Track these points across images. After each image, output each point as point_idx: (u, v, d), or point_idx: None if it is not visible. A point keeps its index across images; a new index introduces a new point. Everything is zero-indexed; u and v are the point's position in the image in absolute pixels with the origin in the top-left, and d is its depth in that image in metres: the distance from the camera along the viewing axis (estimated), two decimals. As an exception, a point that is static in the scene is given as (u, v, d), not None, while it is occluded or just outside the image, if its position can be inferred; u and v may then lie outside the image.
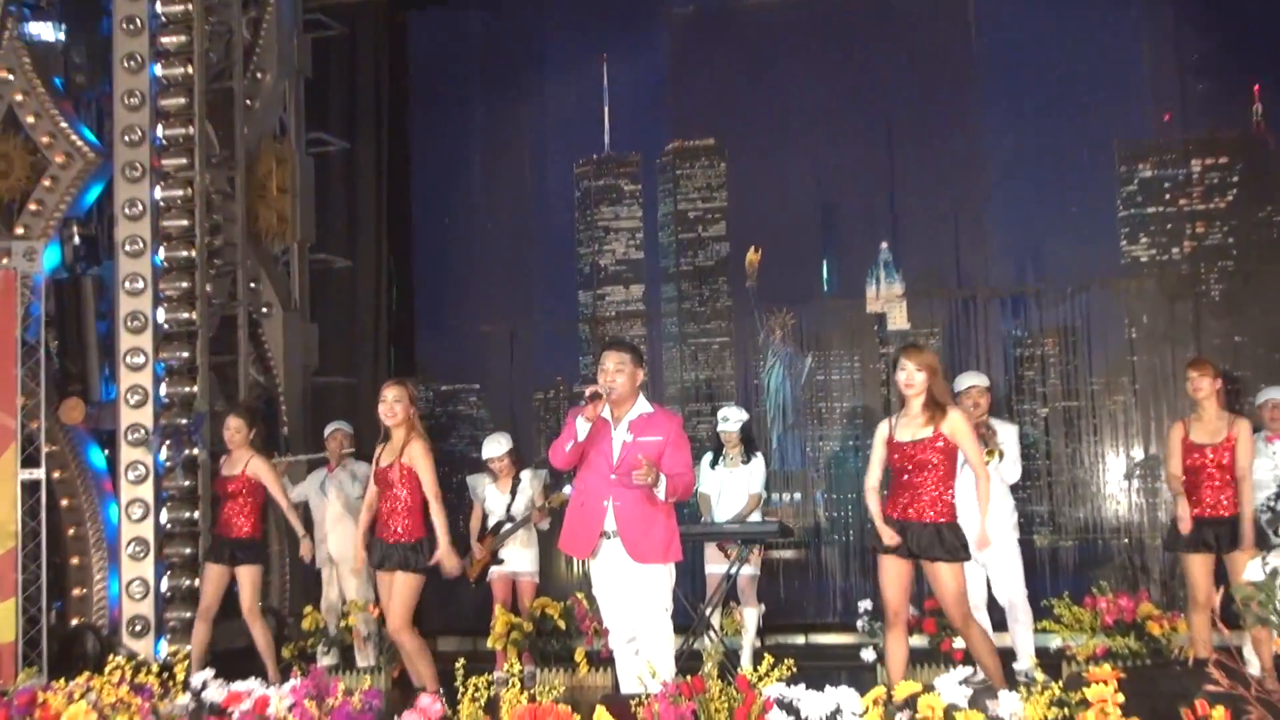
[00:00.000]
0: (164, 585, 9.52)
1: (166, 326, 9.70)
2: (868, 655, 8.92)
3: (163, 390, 9.63)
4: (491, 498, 9.42)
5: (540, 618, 9.08)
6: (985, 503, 6.41)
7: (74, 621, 9.59)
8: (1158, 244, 11.90)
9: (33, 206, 9.95)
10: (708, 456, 9.20)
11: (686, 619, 8.24)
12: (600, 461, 6.18)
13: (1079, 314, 11.60)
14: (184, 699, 6.24)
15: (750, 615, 9.12)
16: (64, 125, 10.08)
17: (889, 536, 6.29)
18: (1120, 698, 4.78)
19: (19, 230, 9.86)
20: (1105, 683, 4.84)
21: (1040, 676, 5.34)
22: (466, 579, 9.71)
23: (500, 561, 9.34)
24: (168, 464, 9.63)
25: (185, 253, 9.77)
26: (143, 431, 9.47)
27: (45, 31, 10.53)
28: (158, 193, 9.76)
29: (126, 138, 9.70)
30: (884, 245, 12.10)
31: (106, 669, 6.51)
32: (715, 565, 9.09)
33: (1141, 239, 11.99)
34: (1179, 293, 11.38)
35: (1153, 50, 11.70)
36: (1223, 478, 7.36)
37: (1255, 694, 4.59)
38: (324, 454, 9.73)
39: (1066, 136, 11.72)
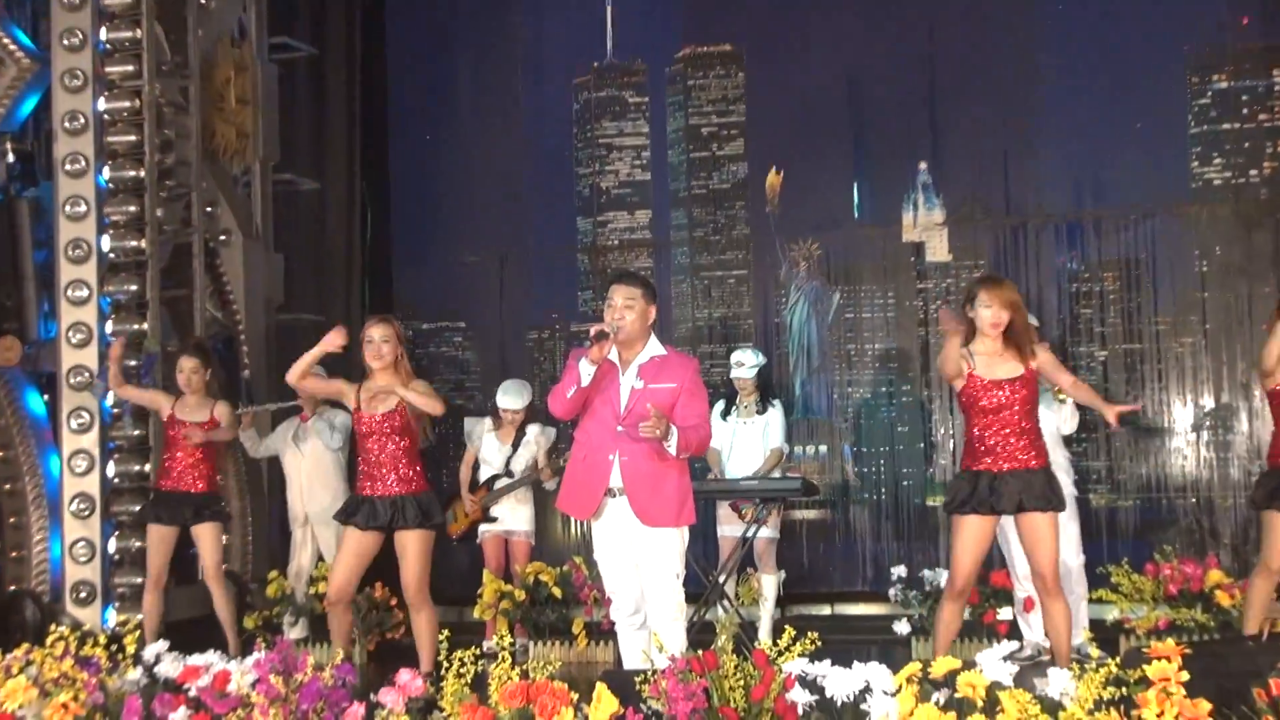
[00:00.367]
0: (111, 547, 9.54)
1: (112, 256, 9.67)
2: (901, 628, 8.96)
3: (108, 328, 9.62)
4: (489, 447, 9.44)
5: (534, 585, 9.11)
6: (1090, 394, 6.74)
7: (10, 587, 9.63)
8: (1233, 165, 11.85)
9: (-42, 120, 9.93)
10: (719, 406, 9.15)
11: (698, 587, 8.29)
12: (605, 410, 6.15)
13: (1143, 244, 11.57)
14: (135, 673, 6.26)
15: (769, 583, 9.16)
16: (-7, 27, 10.04)
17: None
18: (1185, 676, 4.78)
19: (-57, 147, 9.85)
20: (1168, 659, 4.84)
21: (1095, 652, 5.36)
22: (448, 535, 9.76)
23: (492, 520, 9.37)
24: (115, 410, 9.64)
25: (133, 172, 9.73)
26: (86, 374, 9.47)
27: (-30, -80, 10.46)
28: (101, 104, 9.71)
29: (65, 41, 9.63)
30: (922, 166, 12.07)
31: (48, 640, 6.53)
32: (729, 527, 9.12)
33: (1215, 159, 11.94)
34: (1256, 220, 11.34)
35: (1229, -56, 11.62)
36: None
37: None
38: (295, 402, 9.72)
39: (1131, 43, 11.66)
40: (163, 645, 6.42)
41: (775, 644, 5.05)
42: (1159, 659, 4.84)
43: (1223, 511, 10.87)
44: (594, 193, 13.27)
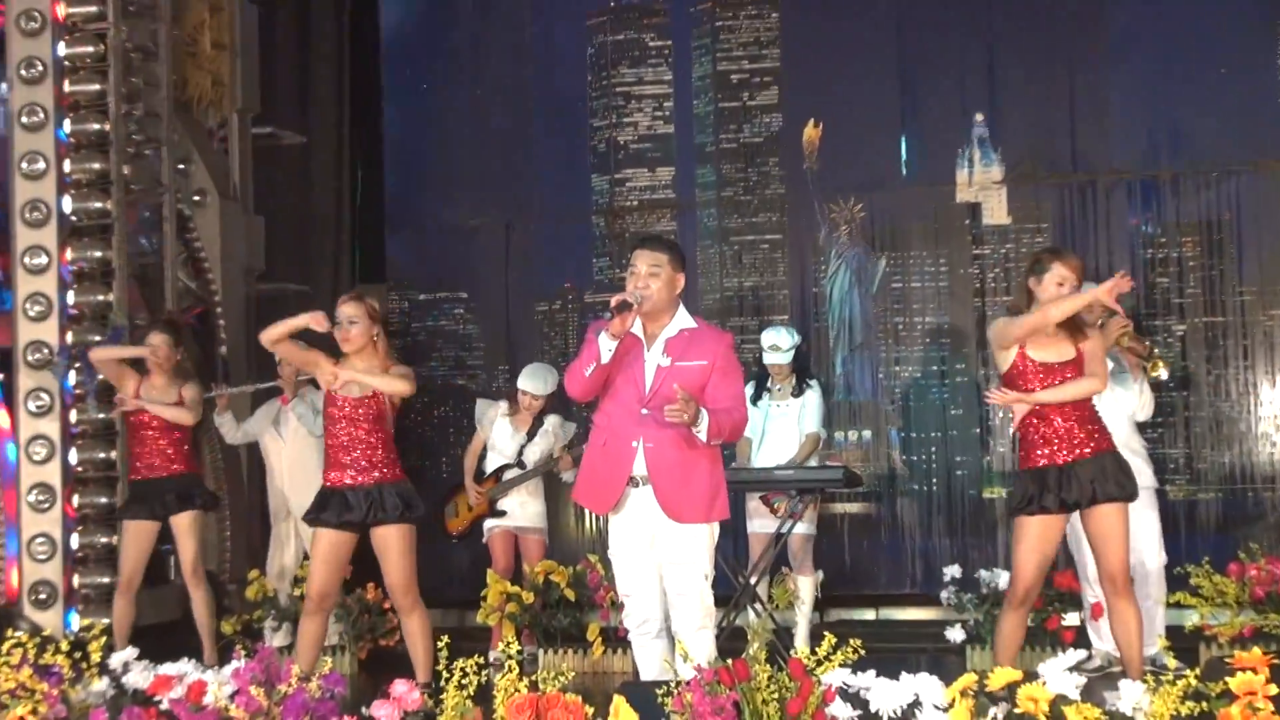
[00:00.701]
0: (74, 543, 9.57)
1: (75, 219, 9.70)
2: (954, 634, 8.97)
3: (70, 298, 9.65)
4: (501, 434, 9.43)
5: (544, 586, 9.10)
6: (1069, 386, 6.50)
7: (-39, 589, 9.69)
8: (1330, 116, 11.78)
9: (-96, 67, 9.96)
10: (749, 389, 9.05)
11: (728, 589, 8.29)
12: (628, 390, 6.12)
13: (1226, 205, 11.52)
14: (100, 684, 6.29)
15: (806, 584, 9.17)
16: (-61, -37, 10.06)
17: None
18: (1272, 689, 4.79)
19: (-113, 97, 9.88)
20: (1254, 670, 4.85)
21: (1172, 663, 5.35)
22: (448, 533, 9.78)
23: (500, 514, 9.37)
24: (78, 391, 9.66)
25: (97, 125, 9.75)
26: (46, 351, 9.49)
27: None
28: (61, 49, 9.72)
29: (20, -20, 9.66)
30: (979, 118, 12.01)
31: (3, 647, 6.57)
32: (761, 522, 9.12)
33: (1309, 110, 11.87)
34: (1357, 178, 11.31)
35: None
36: None
37: None
38: (275, 383, 9.73)
39: (1213, -21, 11.61)
40: (131, 653, 6.46)
41: (813, 652, 5.06)
42: (1243, 670, 4.85)
43: (1317, 505, 10.87)
44: (610, 148, 13.22)
